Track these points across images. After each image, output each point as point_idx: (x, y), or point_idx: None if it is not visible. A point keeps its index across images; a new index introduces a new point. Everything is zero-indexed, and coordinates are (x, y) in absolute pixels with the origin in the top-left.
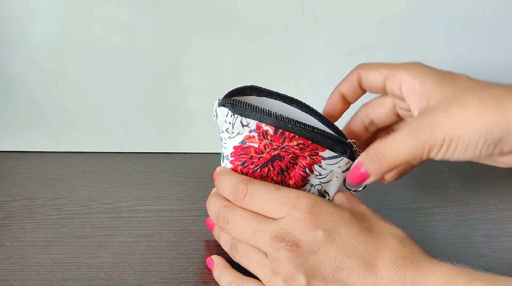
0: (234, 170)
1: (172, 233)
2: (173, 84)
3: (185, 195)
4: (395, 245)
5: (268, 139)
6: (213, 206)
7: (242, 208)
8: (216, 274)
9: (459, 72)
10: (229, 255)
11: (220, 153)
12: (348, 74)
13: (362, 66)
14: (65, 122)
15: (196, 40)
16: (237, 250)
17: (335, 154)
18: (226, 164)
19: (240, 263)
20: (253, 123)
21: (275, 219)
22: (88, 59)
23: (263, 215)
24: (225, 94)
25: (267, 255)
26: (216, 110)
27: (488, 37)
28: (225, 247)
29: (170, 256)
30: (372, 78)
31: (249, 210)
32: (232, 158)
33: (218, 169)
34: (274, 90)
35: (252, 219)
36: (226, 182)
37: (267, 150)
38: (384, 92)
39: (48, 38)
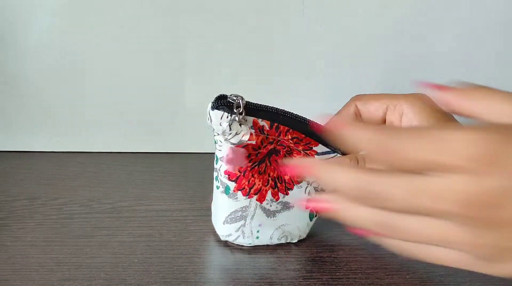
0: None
1: (172, 233)
2: (173, 84)
3: (185, 195)
4: None
5: (264, 134)
6: (345, 177)
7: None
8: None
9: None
10: (376, 234)
11: None
12: (344, 107)
13: (359, 98)
14: (65, 122)
15: (196, 40)
16: (396, 220)
17: (328, 150)
18: (221, 165)
19: (403, 238)
20: (250, 120)
21: (438, 176)
22: (88, 59)
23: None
24: (216, 97)
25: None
26: (209, 114)
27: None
28: (368, 223)
29: (170, 256)
30: (374, 109)
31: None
32: None
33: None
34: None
35: (413, 179)
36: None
37: (264, 144)
38: (382, 122)
39: (48, 38)
